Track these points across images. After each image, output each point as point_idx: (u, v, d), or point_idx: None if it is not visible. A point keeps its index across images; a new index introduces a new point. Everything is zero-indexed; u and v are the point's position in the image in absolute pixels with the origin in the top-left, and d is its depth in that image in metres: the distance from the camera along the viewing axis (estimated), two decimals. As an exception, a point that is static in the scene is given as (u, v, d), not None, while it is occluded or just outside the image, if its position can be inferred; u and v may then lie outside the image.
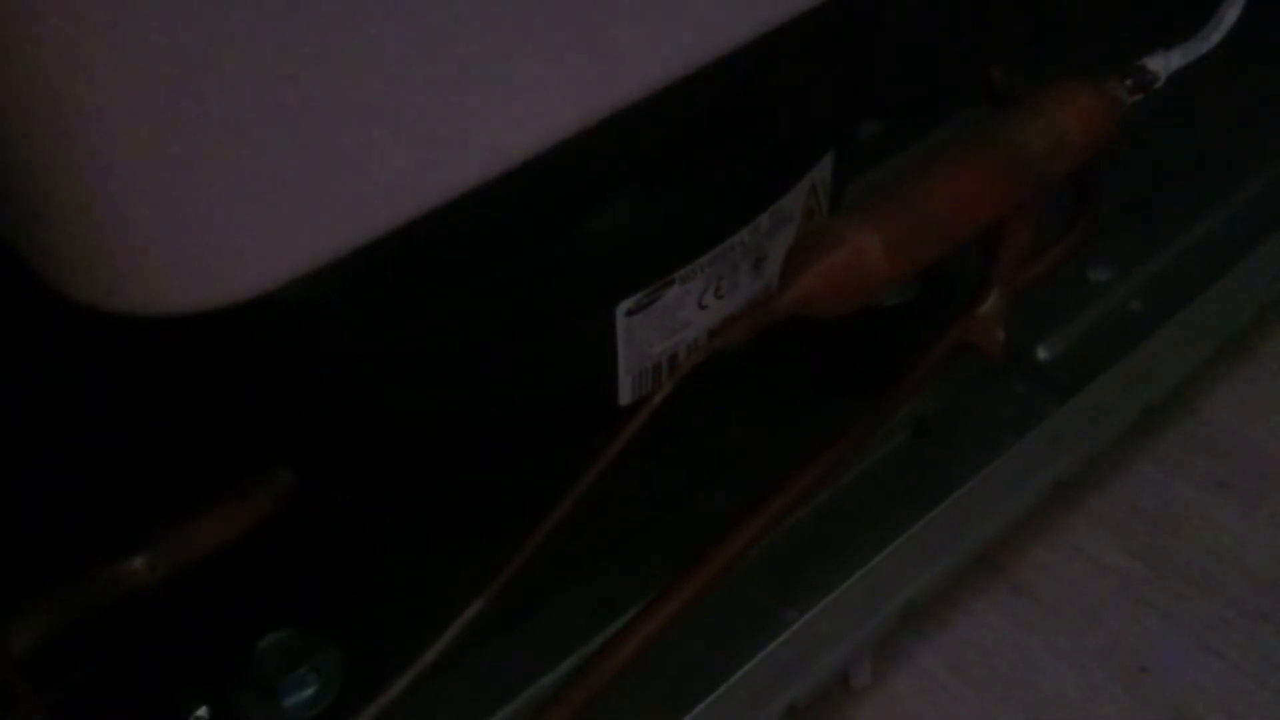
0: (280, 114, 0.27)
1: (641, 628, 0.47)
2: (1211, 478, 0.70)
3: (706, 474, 0.56)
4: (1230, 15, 0.54)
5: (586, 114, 0.33)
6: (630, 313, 0.44)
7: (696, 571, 0.48)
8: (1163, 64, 0.52)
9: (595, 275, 0.43)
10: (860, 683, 0.62)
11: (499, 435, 0.47)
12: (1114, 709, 0.61)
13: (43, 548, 0.41)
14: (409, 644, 0.41)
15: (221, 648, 0.47)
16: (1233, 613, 0.64)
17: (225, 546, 0.42)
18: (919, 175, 0.45)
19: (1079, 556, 0.67)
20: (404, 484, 0.50)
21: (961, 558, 0.61)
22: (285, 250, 0.29)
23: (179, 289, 0.28)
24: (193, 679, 0.46)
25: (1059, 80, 0.50)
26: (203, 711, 0.46)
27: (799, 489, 0.51)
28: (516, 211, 0.39)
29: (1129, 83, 0.51)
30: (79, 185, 0.26)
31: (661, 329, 0.45)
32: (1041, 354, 0.64)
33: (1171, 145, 0.73)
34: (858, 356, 0.60)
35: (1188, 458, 0.71)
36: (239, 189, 0.27)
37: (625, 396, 0.47)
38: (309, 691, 0.47)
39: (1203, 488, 0.70)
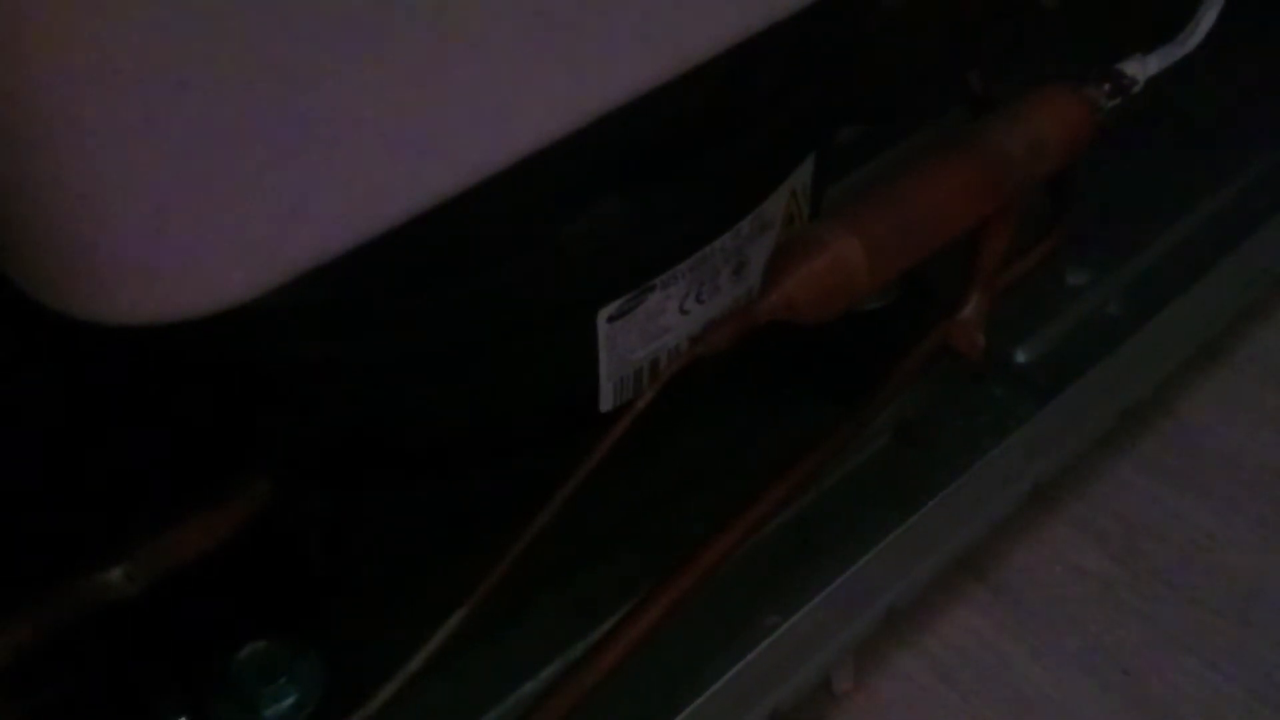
0: (257, 123, 0.27)
1: (624, 634, 0.47)
2: (1190, 481, 0.71)
3: (689, 480, 0.56)
4: (1207, 20, 0.54)
5: (567, 120, 0.33)
6: (612, 319, 0.44)
7: (679, 577, 0.48)
8: (1140, 68, 0.53)
9: (576, 281, 0.43)
10: (843, 687, 0.62)
11: (481, 442, 0.47)
12: (1095, 712, 0.61)
13: (20, 559, 0.41)
14: (391, 653, 0.41)
15: (200, 658, 0.47)
16: (1212, 615, 0.65)
17: (204, 556, 0.41)
18: (899, 180, 0.45)
19: (1059, 560, 0.67)
20: (385, 491, 0.50)
21: (942, 562, 0.62)
22: (263, 261, 0.28)
23: (155, 299, 0.28)
24: (171, 690, 0.46)
25: (1038, 85, 0.50)
26: (181, 722, 0.46)
27: (781, 494, 0.51)
28: (497, 218, 0.39)
29: (1107, 87, 0.52)
30: (54, 194, 0.26)
31: (643, 335, 0.45)
32: (1020, 358, 0.64)
33: (1149, 149, 0.74)
34: (838, 361, 0.60)
35: (1166, 461, 0.72)
36: (215, 199, 0.27)
37: (607, 403, 0.47)
38: (288, 702, 0.46)
39: (1181, 491, 0.70)
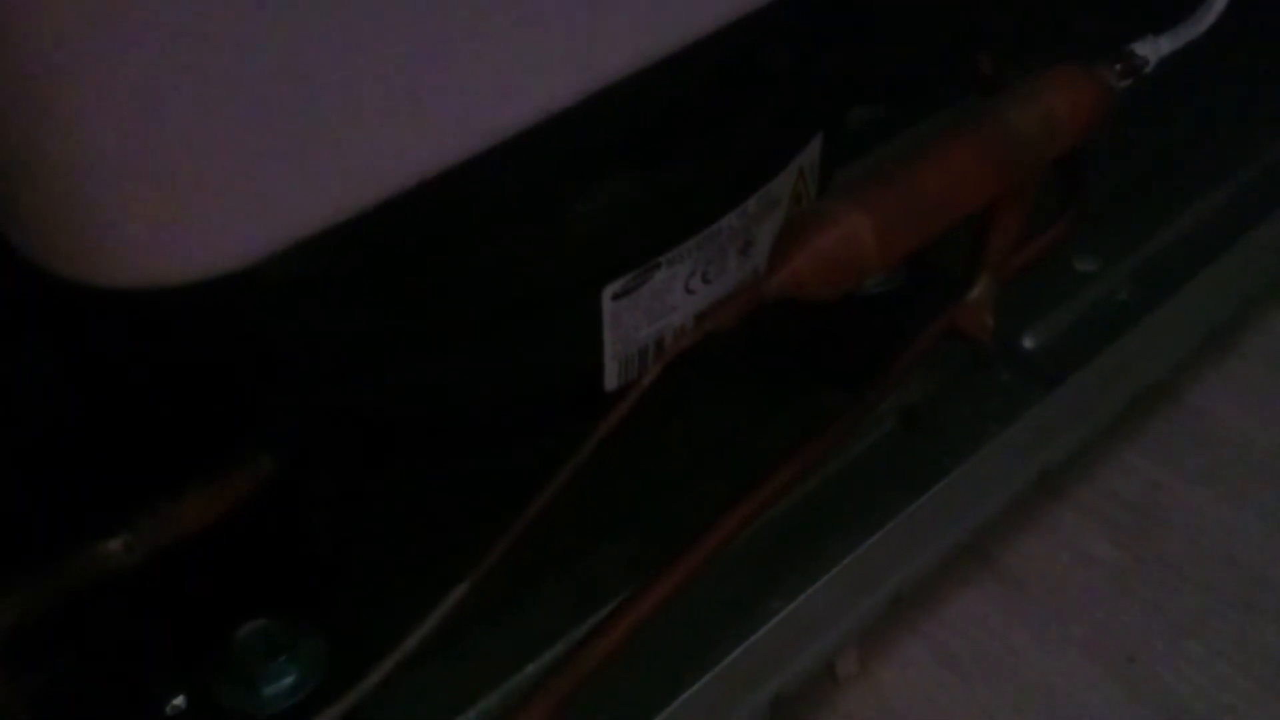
0: (260, 84, 0.26)
1: (627, 616, 0.46)
2: (1197, 468, 0.70)
3: (692, 461, 0.56)
4: (1220, 1, 0.53)
5: (572, 90, 0.32)
6: (616, 296, 0.43)
7: (682, 559, 0.48)
8: (1152, 49, 0.52)
9: (581, 258, 0.43)
10: (847, 672, 0.61)
11: (484, 420, 0.47)
12: (1100, 698, 0.61)
13: (17, 530, 0.41)
14: (391, 632, 0.41)
15: (200, 636, 0.46)
16: (1219, 603, 0.64)
17: (204, 530, 0.41)
18: (909, 159, 0.45)
19: (1065, 546, 0.67)
20: (386, 470, 0.50)
21: (948, 547, 0.61)
22: (264, 223, 0.28)
23: (157, 262, 0.27)
24: (171, 667, 0.46)
25: (1049, 65, 0.50)
26: (180, 700, 0.45)
27: (785, 477, 0.51)
28: (502, 193, 0.39)
29: (1119, 67, 0.51)
30: (54, 154, 0.25)
31: (648, 313, 0.45)
32: (1028, 343, 0.64)
33: (1159, 133, 0.73)
34: (845, 345, 0.59)
35: (1174, 448, 0.71)
36: (217, 159, 0.26)
37: (611, 382, 0.46)
38: (289, 680, 0.46)
39: (1189, 478, 0.70)
